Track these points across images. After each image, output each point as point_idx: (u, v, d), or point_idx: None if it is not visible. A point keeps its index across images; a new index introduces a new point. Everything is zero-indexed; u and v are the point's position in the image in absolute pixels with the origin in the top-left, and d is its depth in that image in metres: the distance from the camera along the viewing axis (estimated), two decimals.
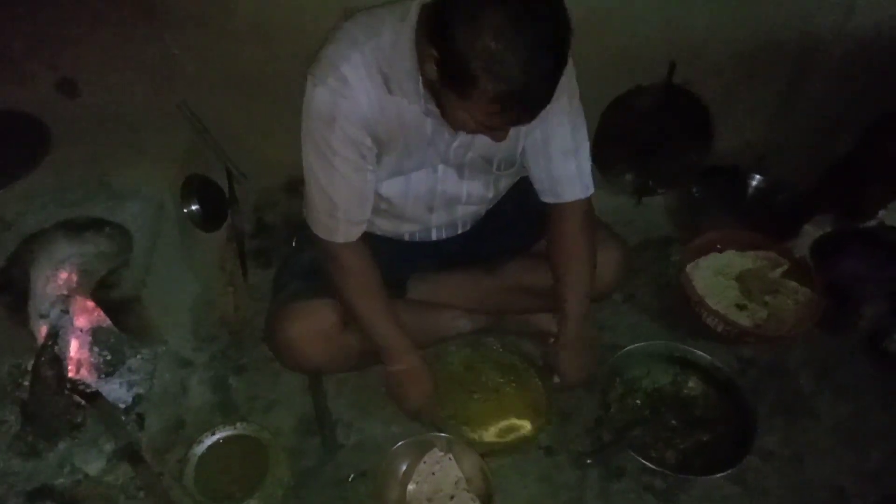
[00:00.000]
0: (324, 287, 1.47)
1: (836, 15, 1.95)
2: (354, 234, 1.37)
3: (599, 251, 1.52)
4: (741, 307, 1.85)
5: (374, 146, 1.27)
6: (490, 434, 1.58)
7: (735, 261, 1.94)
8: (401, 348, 1.45)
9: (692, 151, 2.12)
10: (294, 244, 1.69)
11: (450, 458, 1.47)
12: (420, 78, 1.17)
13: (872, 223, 1.89)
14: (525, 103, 1.05)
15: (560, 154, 1.39)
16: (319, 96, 1.20)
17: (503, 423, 1.59)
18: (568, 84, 1.32)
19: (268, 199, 2.09)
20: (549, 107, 1.07)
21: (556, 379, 1.60)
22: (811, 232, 1.97)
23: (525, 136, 1.38)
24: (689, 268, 1.90)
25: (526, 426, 1.59)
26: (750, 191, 2.17)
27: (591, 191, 1.46)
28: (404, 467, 1.48)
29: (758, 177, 2.16)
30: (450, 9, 1.01)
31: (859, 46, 1.99)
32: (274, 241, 2.00)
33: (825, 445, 1.64)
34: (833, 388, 1.75)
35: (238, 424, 1.52)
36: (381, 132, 1.26)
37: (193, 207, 1.87)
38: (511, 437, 1.57)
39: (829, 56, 2.03)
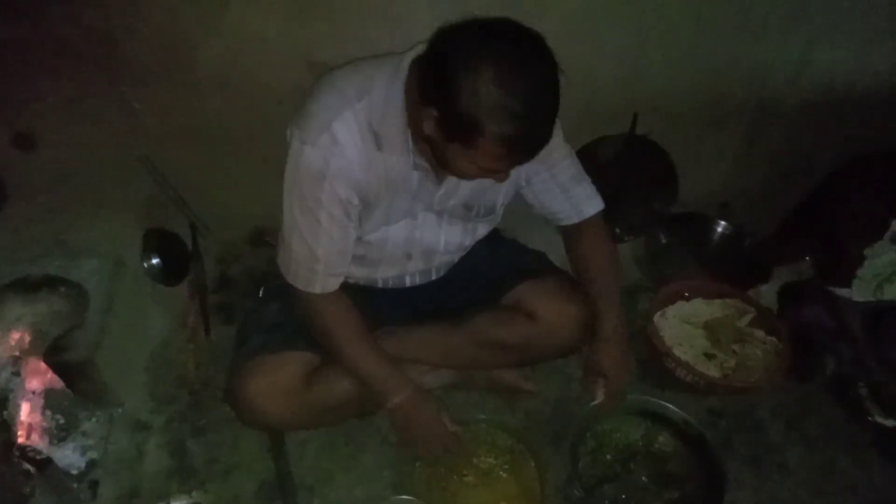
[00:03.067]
0: (288, 340, 1.44)
1: (790, 69, 2.00)
2: (332, 285, 1.36)
3: (560, 307, 1.54)
4: (709, 356, 1.85)
5: (360, 204, 1.29)
6: None
7: (702, 309, 1.94)
8: (397, 382, 1.42)
9: (657, 199, 2.14)
10: (261, 295, 1.65)
11: None
12: (409, 134, 1.20)
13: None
14: (530, 143, 1.11)
15: (571, 181, 1.50)
16: (309, 155, 1.20)
17: None
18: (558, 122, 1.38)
19: (231, 251, 2.05)
20: (549, 144, 1.13)
21: (599, 397, 1.55)
22: (778, 279, 1.98)
23: (518, 182, 1.45)
24: (656, 317, 1.90)
25: None
26: (716, 237, 2.19)
27: (603, 204, 1.57)
28: None
29: (723, 223, 2.18)
30: (447, 63, 1.04)
31: (813, 98, 2.05)
32: (237, 296, 1.96)
33: (795, 499, 1.63)
34: (802, 439, 1.75)
35: (194, 493, 1.47)
36: (369, 191, 1.27)
37: (154, 261, 1.84)
38: None
39: (786, 106, 2.08)
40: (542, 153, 1.14)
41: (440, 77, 1.05)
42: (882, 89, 2.09)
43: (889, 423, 1.74)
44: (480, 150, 1.08)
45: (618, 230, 2.14)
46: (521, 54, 1.04)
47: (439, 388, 1.69)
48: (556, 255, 1.67)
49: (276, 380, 1.43)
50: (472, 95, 1.02)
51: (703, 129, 2.12)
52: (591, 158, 2.03)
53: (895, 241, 1.80)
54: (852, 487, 1.65)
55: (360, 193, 1.26)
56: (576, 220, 1.54)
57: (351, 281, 1.50)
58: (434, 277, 1.60)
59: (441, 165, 1.20)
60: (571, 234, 1.58)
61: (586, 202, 1.53)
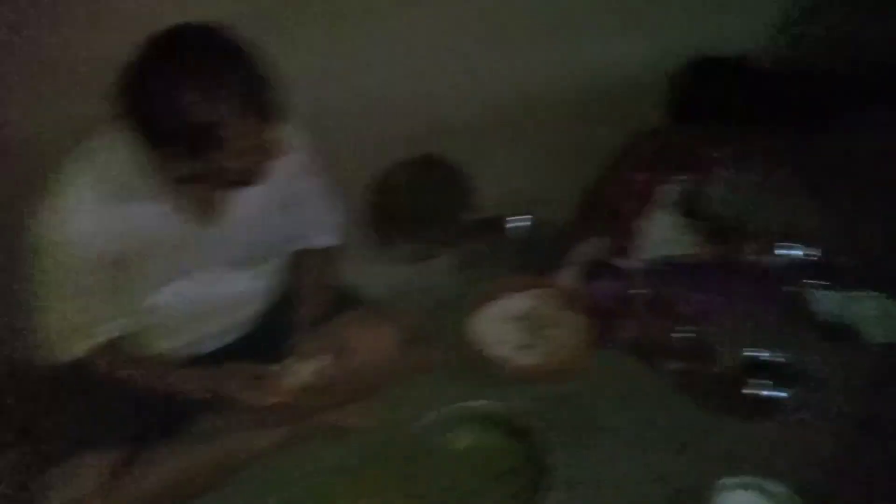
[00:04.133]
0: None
1: (557, 70, 2.19)
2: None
3: (383, 328, 1.62)
4: (526, 347, 1.96)
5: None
6: None
7: (514, 304, 2.06)
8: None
9: (461, 209, 2.25)
10: None
11: None
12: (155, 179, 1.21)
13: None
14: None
15: (311, 208, 1.55)
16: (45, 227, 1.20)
17: None
18: (303, 144, 1.44)
19: None
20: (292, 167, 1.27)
21: None
22: (578, 261, 2.12)
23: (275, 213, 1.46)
24: (472, 321, 2.00)
25: None
26: (519, 233, 2.32)
27: (337, 240, 1.62)
28: None
29: (521, 218, 2.32)
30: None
31: (574, 100, 2.25)
32: None
33: (627, 459, 1.74)
34: (622, 402, 1.88)
35: None
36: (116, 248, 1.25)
37: None
38: None
39: (562, 104, 2.27)
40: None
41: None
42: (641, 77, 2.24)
43: (672, 366, 1.91)
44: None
45: (429, 246, 2.24)
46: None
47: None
48: None
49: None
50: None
51: (496, 134, 2.26)
52: (391, 184, 2.13)
53: (664, 207, 2.00)
54: (671, 433, 1.80)
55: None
56: (302, 246, 1.61)
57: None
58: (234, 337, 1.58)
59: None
60: (297, 260, 1.63)
61: (318, 230, 1.61)
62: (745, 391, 1.81)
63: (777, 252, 2.25)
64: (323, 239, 1.63)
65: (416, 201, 2.16)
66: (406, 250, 2.23)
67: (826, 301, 2.09)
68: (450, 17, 1.99)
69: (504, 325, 2.01)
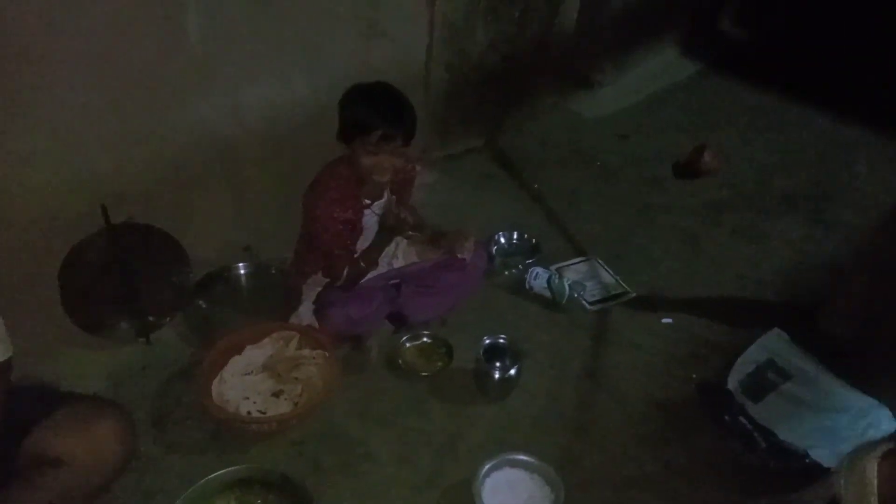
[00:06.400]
0: None
1: (231, 112, 2.17)
2: None
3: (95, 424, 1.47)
4: (277, 394, 1.90)
5: None
6: None
7: (255, 354, 1.99)
8: None
9: (174, 270, 2.11)
10: None
11: None
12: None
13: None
14: None
15: None
16: None
17: None
18: None
19: None
20: None
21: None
22: (308, 298, 2.10)
23: None
24: (214, 385, 1.88)
25: None
26: (245, 282, 2.26)
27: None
28: None
29: (244, 265, 2.27)
30: None
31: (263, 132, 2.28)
32: None
33: (386, 483, 1.76)
34: (376, 422, 1.91)
35: None
36: None
37: None
38: None
39: (253, 145, 2.28)
40: None
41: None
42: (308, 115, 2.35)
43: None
44: None
45: (150, 318, 2.07)
46: None
47: None
48: None
49: None
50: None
51: (188, 189, 2.17)
52: (83, 266, 1.93)
53: (370, 227, 2.07)
54: (429, 437, 1.88)
55: None
56: None
57: None
58: None
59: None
60: None
61: None
62: (495, 375, 1.95)
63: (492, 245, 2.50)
64: None
65: (121, 273, 1.98)
66: (123, 329, 2.03)
67: (539, 277, 2.34)
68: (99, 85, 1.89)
69: (250, 378, 1.92)
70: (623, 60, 3.70)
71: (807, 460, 1.76)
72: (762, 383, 1.97)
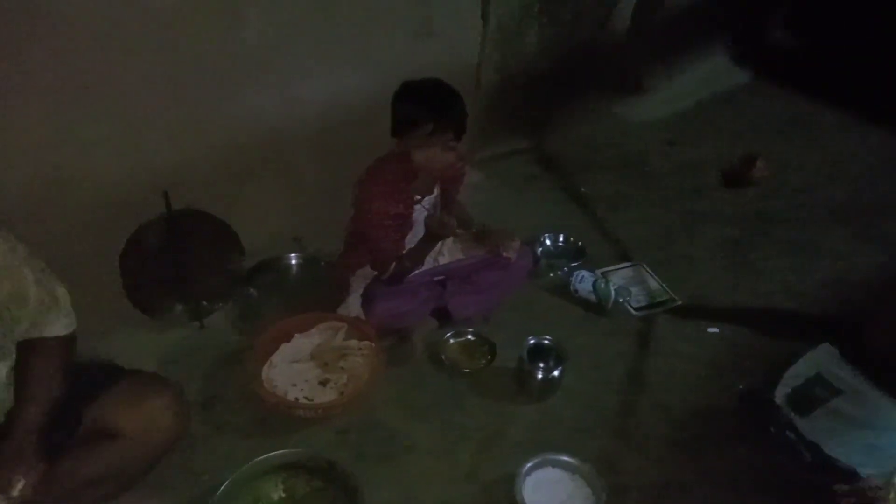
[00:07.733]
0: None
1: (281, 108, 2.22)
2: None
3: (151, 400, 1.51)
4: (324, 382, 1.94)
5: None
6: None
7: (303, 343, 2.04)
8: None
9: (228, 257, 2.17)
10: None
11: None
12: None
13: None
14: None
15: None
16: None
17: None
18: None
19: None
20: None
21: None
22: (357, 289, 2.14)
23: None
24: (264, 370, 1.93)
25: None
26: (294, 272, 2.30)
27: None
28: None
29: (295, 257, 2.31)
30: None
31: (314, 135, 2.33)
32: None
33: (430, 472, 1.79)
34: (415, 415, 1.94)
35: None
36: None
37: None
38: None
39: (300, 139, 2.32)
40: None
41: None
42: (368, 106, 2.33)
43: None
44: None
45: (204, 303, 2.13)
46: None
47: None
48: None
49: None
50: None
51: (242, 179, 2.22)
52: (141, 249, 1.99)
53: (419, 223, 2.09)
54: (471, 433, 1.90)
55: None
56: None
57: None
58: None
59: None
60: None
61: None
62: (538, 376, 1.96)
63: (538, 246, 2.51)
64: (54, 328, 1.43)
65: (175, 259, 2.04)
66: (177, 312, 2.10)
67: (584, 281, 2.35)
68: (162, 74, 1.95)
69: (298, 366, 1.97)
70: (672, 66, 3.68)
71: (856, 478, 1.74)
72: (810, 398, 1.95)
